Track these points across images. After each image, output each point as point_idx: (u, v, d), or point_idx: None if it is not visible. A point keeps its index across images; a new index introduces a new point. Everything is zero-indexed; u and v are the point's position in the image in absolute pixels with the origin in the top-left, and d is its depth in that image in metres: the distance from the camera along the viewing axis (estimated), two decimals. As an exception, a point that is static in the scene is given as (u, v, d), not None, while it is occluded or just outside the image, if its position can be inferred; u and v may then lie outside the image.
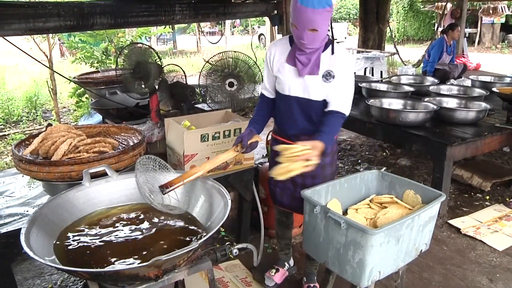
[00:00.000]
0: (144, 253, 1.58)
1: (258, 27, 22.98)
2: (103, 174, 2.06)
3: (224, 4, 4.10)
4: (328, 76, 2.27)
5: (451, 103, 4.34)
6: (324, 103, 2.34)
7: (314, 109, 2.36)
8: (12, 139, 6.49)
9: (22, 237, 1.51)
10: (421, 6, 19.96)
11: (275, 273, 2.95)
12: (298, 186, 2.55)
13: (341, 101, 2.32)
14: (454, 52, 7.57)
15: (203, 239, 1.50)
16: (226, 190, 1.85)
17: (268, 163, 3.42)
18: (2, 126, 7.39)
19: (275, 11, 4.45)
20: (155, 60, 3.44)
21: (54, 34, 6.67)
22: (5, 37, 3.10)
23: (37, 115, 7.97)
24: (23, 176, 2.76)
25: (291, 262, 3.05)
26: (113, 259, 1.54)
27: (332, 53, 2.28)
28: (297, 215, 2.84)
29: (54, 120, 7.04)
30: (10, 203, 2.47)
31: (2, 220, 2.27)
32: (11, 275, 2.33)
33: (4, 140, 6.59)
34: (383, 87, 5.15)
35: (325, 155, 2.45)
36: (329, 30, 2.27)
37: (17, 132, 6.89)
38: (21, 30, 3.09)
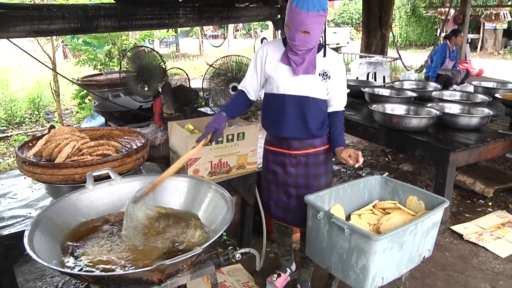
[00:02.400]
0: (148, 256, 1.58)
1: (261, 31, 23.05)
2: (107, 177, 2.06)
3: (228, 8, 4.10)
4: (324, 75, 2.35)
5: (454, 109, 4.34)
6: (320, 101, 2.39)
7: (310, 107, 2.37)
8: (15, 141, 6.50)
9: (25, 240, 1.51)
10: (424, 12, 20.01)
11: (276, 278, 2.94)
12: (292, 197, 2.55)
13: (342, 100, 2.48)
14: (457, 58, 7.57)
15: (207, 243, 1.49)
16: (230, 195, 1.85)
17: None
18: (4, 127, 7.40)
19: (279, 16, 4.46)
20: (159, 63, 3.45)
21: (58, 36, 6.68)
22: (10, 39, 3.11)
23: (39, 117, 7.98)
24: (25, 178, 2.77)
25: (293, 267, 3.05)
26: (116, 263, 1.54)
27: (324, 55, 2.36)
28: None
29: (56, 122, 7.04)
30: (12, 205, 2.47)
31: (4, 222, 2.27)
32: (13, 277, 2.33)
33: (7, 142, 6.60)
34: (386, 92, 5.15)
35: (319, 164, 2.49)
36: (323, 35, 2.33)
37: (20, 134, 6.90)
38: (26, 32, 3.10)
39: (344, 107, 2.52)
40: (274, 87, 2.39)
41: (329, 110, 2.47)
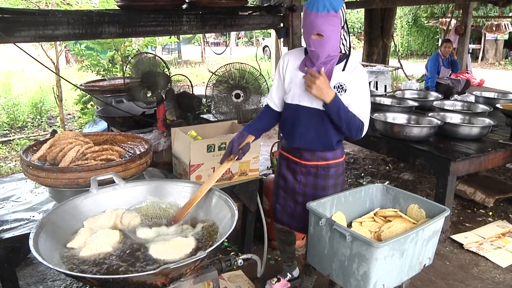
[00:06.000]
0: (152, 260, 1.59)
1: (263, 39, 23.12)
2: (110, 182, 2.07)
3: (231, 16, 4.14)
4: (339, 88, 2.27)
5: (455, 118, 4.36)
6: None
7: (322, 120, 2.32)
8: (17, 145, 6.53)
9: (30, 242, 1.52)
10: (425, 22, 20.11)
11: (276, 282, 2.96)
12: (299, 204, 2.56)
13: (360, 110, 2.31)
14: (457, 66, 7.62)
15: (211, 248, 1.51)
16: (233, 201, 1.86)
17: (272, 175, 3.44)
18: (7, 131, 7.43)
19: (281, 24, 4.50)
20: (163, 69, 3.48)
21: (61, 42, 6.72)
22: (15, 44, 3.14)
23: (42, 121, 8.01)
24: (26, 181, 2.79)
25: (295, 272, 3.05)
26: (120, 266, 1.55)
27: (344, 69, 2.28)
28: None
29: (58, 126, 7.07)
30: (16, 208, 2.49)
31: (8, 225, 2.29)
32: (15, 280, 2.35)
33: (9, 145, 6.62)
34: (387, 101, 5.18)
35: (328, 177, 2.48)
36: (343, 43, 2.23)
37: (22, 138, 6.93)
38: (31, 37, 3.14)
39: (363, 119, 2.32)
40: (289, 97, 2.38)
41: None
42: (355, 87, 2.29)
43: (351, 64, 2.30)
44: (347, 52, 2.28)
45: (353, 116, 2.27)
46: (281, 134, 2.66)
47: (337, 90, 2.27)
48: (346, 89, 2.28)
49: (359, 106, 2.31)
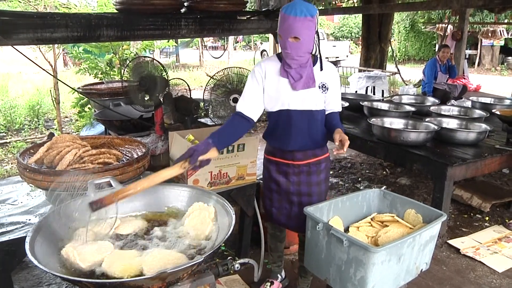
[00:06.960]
0: (148, 264, 1.59)
1: (261, 43, 23.17)
2: (108, 185, 2.06)
3: (230, 20, 4.15)
4: (323, 87, 2.41)
5: (451, 123, 4.37)
6: (322, 113, 2.47)
7: (314, 120, 2.43)
8: (13, 147, 6.51)
9: (27, 246, 1.52)
10: (423, 27, 20.21)
11: (270, 286, 2.96)
12: (294, 205, 2.58)
13: (337, 103, 2.53)
14: (454, 71, 7.66)
15: (208, 252, 1.51)
16: (231, 206, 1.86)
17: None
18: (3, 134, 7.41)
19: (280, 28, 4.51)
20: (161, 73, 3.48)
21: (60, 44, 6.71)
22: (14, 46, 3.13)
23: (39, 124, 8.00)
24: (22, 184, 2.77)
25: (283, 273, 3.07)
26: (117, 270, 1.55)
27: (321, 69, 2.41)
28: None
29: (56, 129, 7.06)
30: (12, 211, 2.47)
31: (4, 228, 2.27)
32: (10, 284, 2.32)
33: (5, 148, 6.60)
34: (384, 106, 5.19)
35: (320, 172, 2.54)
36: (316, 45, 2.36)
37: (19, 140, 6.91)
38: (29, 40, 3.14)
39: (340, 109, 2.56)
40: (278, 104, 2.40)
41: (327, 112, 2.51)
42: (333, 84, 2.47)
43: (325, 64, 2.46)
44: (317, 53, 2.42)
45: (338, 116, 2.50)
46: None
47: (322, 89, 2.41)
48: (328, 88, 2.42)
49: (337, 100, 2.52)
